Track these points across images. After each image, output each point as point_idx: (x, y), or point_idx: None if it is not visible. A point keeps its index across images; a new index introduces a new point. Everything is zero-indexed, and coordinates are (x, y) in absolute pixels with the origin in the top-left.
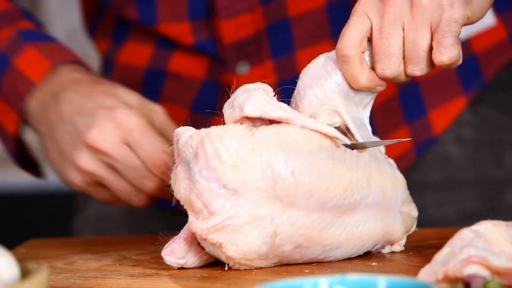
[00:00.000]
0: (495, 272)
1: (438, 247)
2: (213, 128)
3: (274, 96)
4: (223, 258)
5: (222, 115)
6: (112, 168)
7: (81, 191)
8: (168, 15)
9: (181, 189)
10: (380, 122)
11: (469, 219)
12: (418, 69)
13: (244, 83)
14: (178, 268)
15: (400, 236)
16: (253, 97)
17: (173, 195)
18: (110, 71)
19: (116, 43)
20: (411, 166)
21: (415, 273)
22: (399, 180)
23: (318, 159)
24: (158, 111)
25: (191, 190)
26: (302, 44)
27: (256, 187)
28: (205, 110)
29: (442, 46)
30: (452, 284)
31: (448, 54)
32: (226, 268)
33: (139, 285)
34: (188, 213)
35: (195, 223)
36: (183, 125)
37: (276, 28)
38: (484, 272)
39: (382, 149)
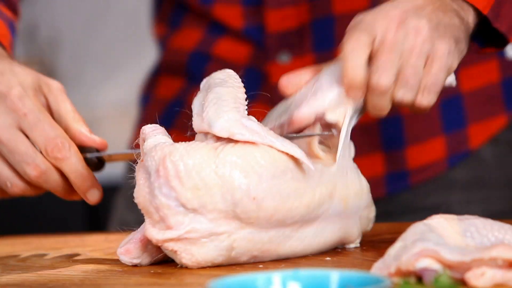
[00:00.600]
0: (447, 265)
1: (391, 241)
2: (178, 146)
3: (245, 101)
4: (177, 262)
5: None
6: None
7: None
8: None
9: (140, 195)
10: (415, 131)
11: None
12: (411, 95)
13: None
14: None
15: (355, 238)
16: (222, 116)
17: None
18: (162, 55)
19: (171, 28)
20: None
21: (368, 267)
22: (364, 188)
23: (282, 183)
24: (55, 91)
25: (150, 201)
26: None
27: (215, 208)
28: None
29: (428, 90)
30: (404, 278)
31: (430, 99)
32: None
33: (92, 281)
34: (145, 217)
35: (151, 231)
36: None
37: (321, 23)
38: (436, 266)
39: (352, 152)
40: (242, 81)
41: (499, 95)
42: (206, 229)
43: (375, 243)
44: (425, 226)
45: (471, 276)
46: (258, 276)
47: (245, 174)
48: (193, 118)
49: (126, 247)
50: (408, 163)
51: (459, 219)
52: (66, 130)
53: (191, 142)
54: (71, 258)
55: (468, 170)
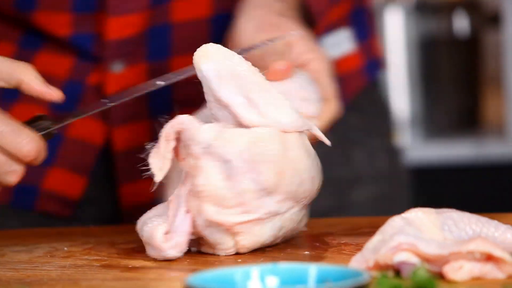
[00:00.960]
0: (425, 259)
1: (369, 235)
2: (259, 132)
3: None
4: (225, 245)
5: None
6: None
7: None
8: (49, 3)
9: (210, 183)
10: None
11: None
12: None
13: (117, 82)
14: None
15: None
16: (286, 112)
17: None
18: None
19: None
20: None
21: (347, 261)
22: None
23: (316, 161)
24: (28, 80)
25: (227, 188)
26: (179, 50)
27: (285, 190)
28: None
29: None
30: (382, 272)
31: None
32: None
33: (70, 276)
34: (203, 205)
35: (224, 216)
36: None
37: (157, 31)
38: (414, 259)
39: None
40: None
41: None
42: (273, 211)
43: (353, 237)
44: (403, 220)
45: (449, 270)
46: (237, 270)
47: (307, 155)
48: (237, 108)
49: (176, 241)
50: None
51: (437, 212)
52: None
53: (255, 129)
54: (49, 253)
55: None
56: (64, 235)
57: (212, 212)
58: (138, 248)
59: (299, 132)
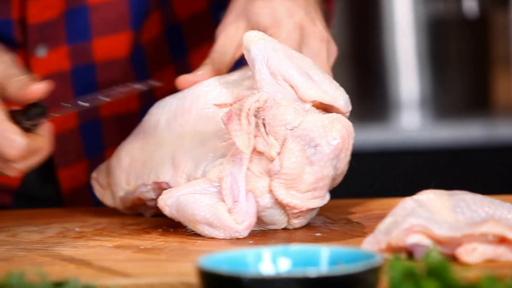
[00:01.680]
0: (437, 241)
1: (381, 217)
2: (346, 123)
3: None
4: (278, 225)
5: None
6: None
7: None
8: None
9: (295, 164)
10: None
11: None
12: None
13: (42, 66)
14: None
15: None
16: (342, 92)
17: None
18: None
19: None
20: None
21: (358, 243)
22: None
23: None
24: (12, 82)
25: (312, 173)
26: (99, 32)
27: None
28: None
29: None
30: (394, 254)
31: None
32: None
33: (82, 257)
34: (278, 186)
35: (295, 200)
36: None
37: (75, 13)
38: (426, 241)
39: None
40: None
41: None
42: (327, 197)
43: (364, 219)
44: (415, 201)
45: (462, 252)
46: (248, 252)
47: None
48: (299, 83)
49: (250, 223)
50: None
51: (449, 194)
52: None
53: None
54: (60, 234)
55: None
56: (75, 216)
57: (286, 193)
58: (148, 229)
59: None
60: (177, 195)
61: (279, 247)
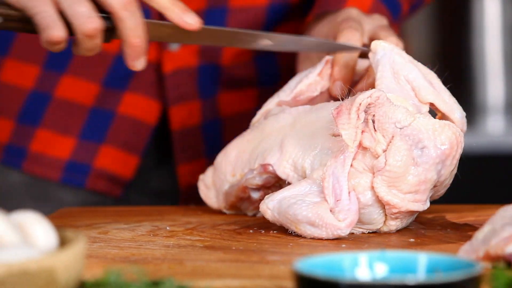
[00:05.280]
0: None
1: (475, 224)
2: (457, 132)
3: None
4: (375, 226)
5: None
6: None
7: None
8: None
9: (401, 162)
10: None
11: None
12: None
13: (173, 60)
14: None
15: None
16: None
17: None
18: None
19: None
20: None
21: (454, 250)
22: None
23: None
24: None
25: (416, 174)
26: None
27: (444, 186)
28: (117, 85)
29: None
30: (493, 263)
31: None
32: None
33: (174, 256)
34: (380, 183)
35: (395, 199)
36: None
37: (215, 13)
38: None
39: None
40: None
41: None
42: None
43: (458, 226)
44: None
45: None
46: (345, 256)
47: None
48: (420, 86)
49: (352, 220)
50: None
51: None
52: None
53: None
54: (151, 232)
55: None
56: (165, 214)
57: (386, 192)
58: (239, 230)
59: None
60: (279, 198)
61: (376, 252)
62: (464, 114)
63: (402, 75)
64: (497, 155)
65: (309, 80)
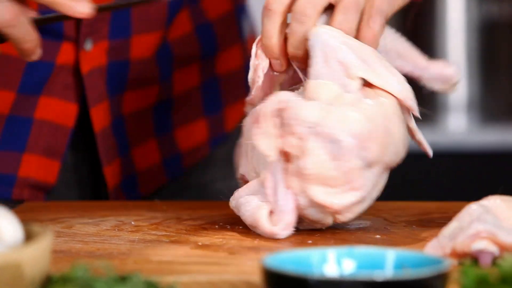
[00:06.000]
0: (504, 248)
1: (440, 221)
2: (367, 109)
3: None
4: (324, 222)
5: None
6: None
7: None
8: None
9: (317, 164)
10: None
11: None
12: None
13: (89, 60)
14: (173, 236)
15: None
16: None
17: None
18: None
19: None
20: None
21: (420, 247)
22: None
23: None
24: None
25: (337, 168)
26: (138, 30)
27: (385, 162)
28: (32, 91)
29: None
30: (460, 260)
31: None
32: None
33: (140, 251)
34: (309, 186)
35: (331, 197)
36: None
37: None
38: (493, 248)
39: None
40: None
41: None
42: (372, 184)
43: (423, 222)
44: (481, 207)
45: None
46: (313, 252)
47: (402, 122)
48: (349, 60)
49: (286, 222)
50: (180, 147)
51: None
52: None
53: (362, 104)
54: (116, 227)
55: (227, 149)
56: (130, 209)
57: (319, 193)
58: (205, 225)
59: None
60: (237, 197)
61: (344, 248)
62: (407, 86)
63: (333, 58)
64: (460, 153)
65: (252, 70)
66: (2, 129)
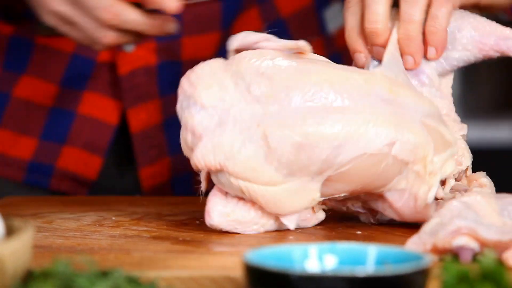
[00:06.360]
0: (484, 244)
1: None
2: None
3: None
4: (231, 184)
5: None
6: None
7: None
8: None
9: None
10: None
11: None
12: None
13: (129, 61)
14: (154, 232)
15: (426, 150)
16: None
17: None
18: None
19: None
20: None
21: (401, 243)
22: (424, 97)
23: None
24: None
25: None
26: (188, 31)
27: (234, 97)
28: (75, 85)
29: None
30: (440, 256)
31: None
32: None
33: (121, 246)
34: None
35: (192, 159)
36: None
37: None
38: (473, 244)
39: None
40: None
41: None
42: (234, 124)
43: None
44: (462, 203)
45: (509, 256)
46: (295, 248)
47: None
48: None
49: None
50: None
51: (496, 197)
52: None
53: None
54: (97, 222)
55: None
56: (110, 204)
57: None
58: (186, 220)
59: None
60: None
61: (326, 244)
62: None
63: None
64: None
65: None
66: (45, 120)
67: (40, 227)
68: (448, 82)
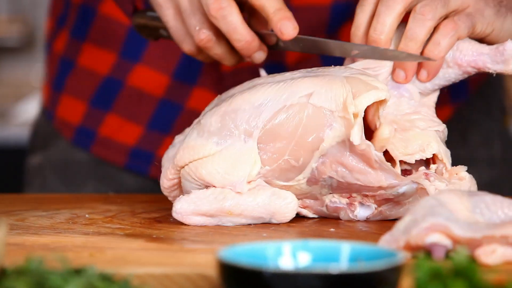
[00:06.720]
0: (457, 241)
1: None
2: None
3: None
4: (185, 175)
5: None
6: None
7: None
8: None
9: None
10: None
11: None
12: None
13: None
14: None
15: (343, 95)
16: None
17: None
18: (91, 20)
19: None
20: None
21: (374, 240)
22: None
23: None
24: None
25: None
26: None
27: None
28: (186, 79)
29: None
30: (414, 253)
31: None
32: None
33: (94, 244)
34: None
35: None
36: None
37: None
38: (446, 241)
39: None
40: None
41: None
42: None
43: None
44: (435, 200)
45: (481, 253)
46: (268, 245)
47: None
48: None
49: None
50: None
51: (469, 195)
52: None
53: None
54: (70, 220)
55: None
56: (84, 202)
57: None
58: (159, 218)
59: None
60: None
61: (299, 241)
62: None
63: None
64: None
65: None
66: (153, 110)
67: (13, 225)
68: (431, 97)
